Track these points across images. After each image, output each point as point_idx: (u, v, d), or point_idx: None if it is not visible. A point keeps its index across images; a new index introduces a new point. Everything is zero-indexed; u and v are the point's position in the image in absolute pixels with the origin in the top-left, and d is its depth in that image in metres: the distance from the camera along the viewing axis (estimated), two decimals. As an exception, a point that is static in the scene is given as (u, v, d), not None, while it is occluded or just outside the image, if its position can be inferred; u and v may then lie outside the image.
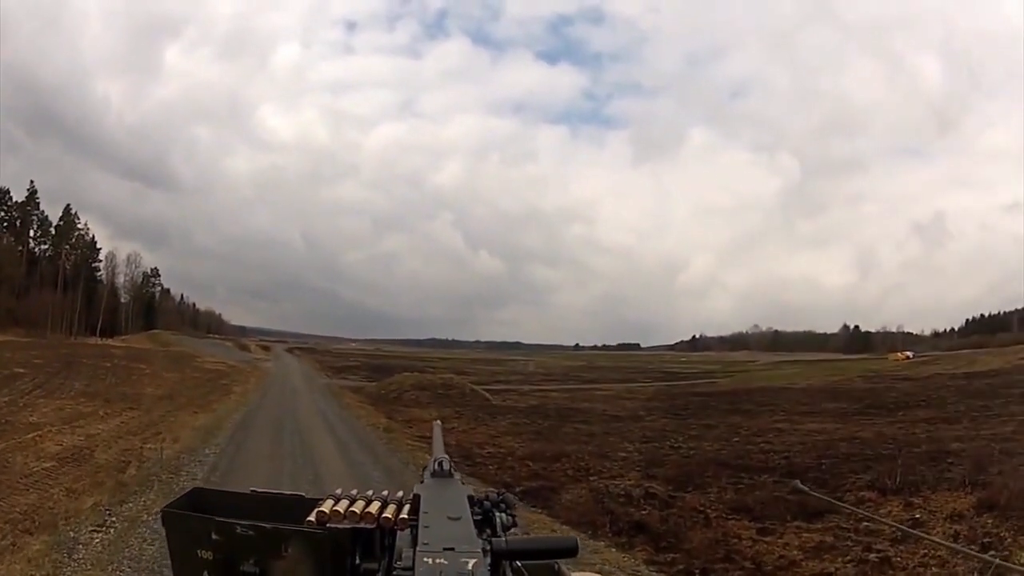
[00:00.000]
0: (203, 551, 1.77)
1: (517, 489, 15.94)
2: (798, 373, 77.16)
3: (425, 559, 1.19)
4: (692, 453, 23.27)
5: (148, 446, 19.67)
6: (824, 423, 30.94)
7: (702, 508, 15.45)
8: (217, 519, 1.78)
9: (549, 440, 25.96)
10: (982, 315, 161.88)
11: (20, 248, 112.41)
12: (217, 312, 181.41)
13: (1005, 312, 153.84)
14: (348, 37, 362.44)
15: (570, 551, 1.50)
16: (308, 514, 1.76)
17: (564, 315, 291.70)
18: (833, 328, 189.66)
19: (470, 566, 1.16)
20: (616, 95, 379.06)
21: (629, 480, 17.93)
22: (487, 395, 45.42)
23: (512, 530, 1.60)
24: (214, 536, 1.75)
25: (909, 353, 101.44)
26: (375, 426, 28.16)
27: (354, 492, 1.81)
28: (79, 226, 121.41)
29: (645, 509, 15.07)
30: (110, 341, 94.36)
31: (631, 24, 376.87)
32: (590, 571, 2.44)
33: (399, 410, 34.89)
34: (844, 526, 13.84)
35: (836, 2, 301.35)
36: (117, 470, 16.27)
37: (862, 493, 16.73)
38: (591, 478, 18.29)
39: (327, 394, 45.93)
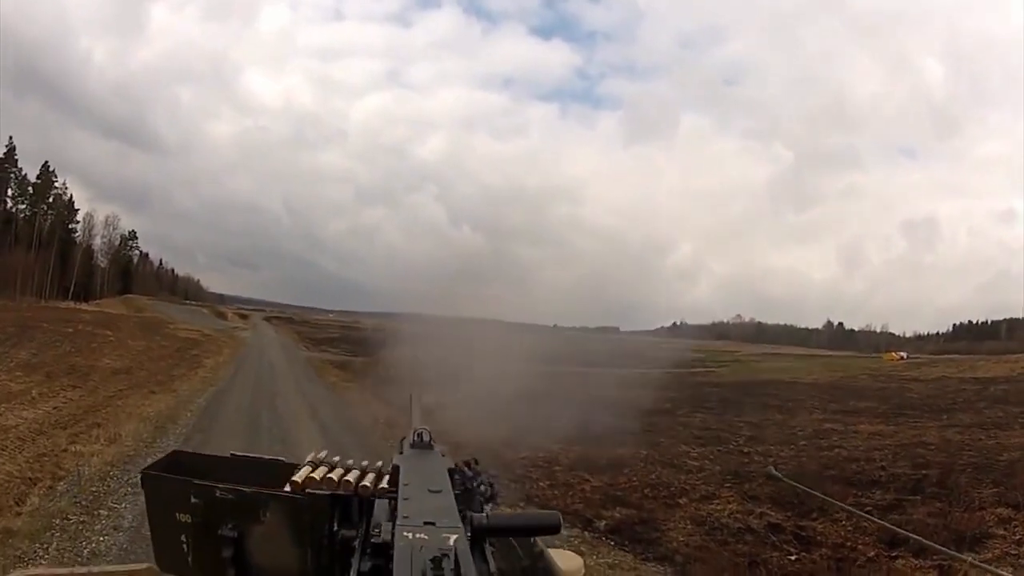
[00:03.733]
0: (182, 514, 1.84)
1: (602, 524, 12.66)
2: (798, 367, 71.34)
3: (405, 533, 1.19)
4: (771, 461, 18.62)
5: (74, 448, 14.21)
6: (874, 424, 26.45)
7: (849, 544, 12.10)
8: (196, 482, 1.85)
9: (589, 439, 21.03)
10: (971, 321, 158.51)
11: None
12: (196, 278, 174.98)
13: (993, 320, 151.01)
14: (337, 2, 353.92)
15: (553, 528, 1.47)
16: (287, 479, 1.84)
17: (544, 295, 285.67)
18: (814, 323, 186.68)
19: (451, 541, 1.16)
20: (609, 74, 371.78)
21: (730, 503, 14.33)
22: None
23: (491, 504, 1.67)
24: (193, 499, 1.82)
25: (903, 354, 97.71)
26: (374, 418, 22.55)
27: (336, 459, 1.93)
28: (56, 185, 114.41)
29: (790, 552, 11.77)
30: (83, 305, 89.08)
31: (628, 2, 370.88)
32: (564, 550, 2.26)
33: (392, 391, 28.84)
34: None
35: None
36: (13, 498, 10.84)
37: (999, 510, 13.68)
38: (679, 500, 14.54)
39: (309, 371, 40.03)
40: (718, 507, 13.97)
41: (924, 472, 17.19)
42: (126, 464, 12.97)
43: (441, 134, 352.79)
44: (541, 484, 15.48)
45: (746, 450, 20.72)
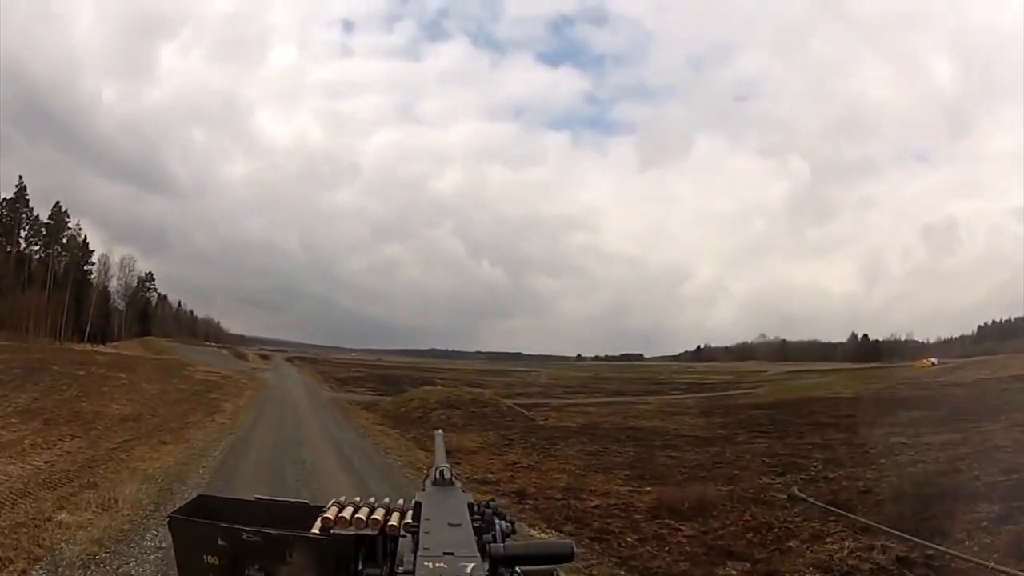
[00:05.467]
0: (209, 556, 1.84)
1: None
2: (833, 383, 71.42)
3: (425, 563, 1.23)
4: (872, 487, 16.90)
5: (60, 516, 11.39)
6: (940, 434, 24.76)
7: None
8: (223, 525, 1.87)
9: (655, 477, 19.31)
10: (994, 321, 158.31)
11: (8, 248, 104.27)
12: (216, 320, 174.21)
13: (1016, 318, 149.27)
14: (346, 38, 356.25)
15: (566, 556, 1.56)
16: (311, 521, 1.92)
17: (565, 325, 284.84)
18: (837, 336, 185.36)
19: (469, 570, 1.21)
20: (620, 99, 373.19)
21: (844, 539, 12.52)
22: (526, 413, 37.44)
23: (511, 537, 1.67)
24: (220, 542, 1.83)
25: (934, 360, 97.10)
26: (412, 464, 19.43)
27: (357, 499, 1.98)
28: (70, 225, 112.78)
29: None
30: (100, 347, 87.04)
31: (634, 24, 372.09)
32: None
33: (431, 436, 25.86)
34: None
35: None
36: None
37: None
38: (789, 544, 12.64)
39: (336, 412, 36.94)
40: (833, 546, 12.23)
41: (1015, 476, 15.78)
42: (117, 544, 10.05)
43: (455, 167, 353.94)
44: (628, 539, 13.04)
45: (829, 476, 18.95)
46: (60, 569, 8.93)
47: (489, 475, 19.02)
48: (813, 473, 19.51)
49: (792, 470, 20.11)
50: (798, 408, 42.78)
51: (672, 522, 14.11)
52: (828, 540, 12.61)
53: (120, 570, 9.02)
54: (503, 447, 24.85)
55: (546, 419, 36.72)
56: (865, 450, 23.05)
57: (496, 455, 22.99)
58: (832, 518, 14.03)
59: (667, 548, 12.51)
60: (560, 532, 13.51)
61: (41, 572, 8.85)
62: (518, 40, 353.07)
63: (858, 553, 11.74)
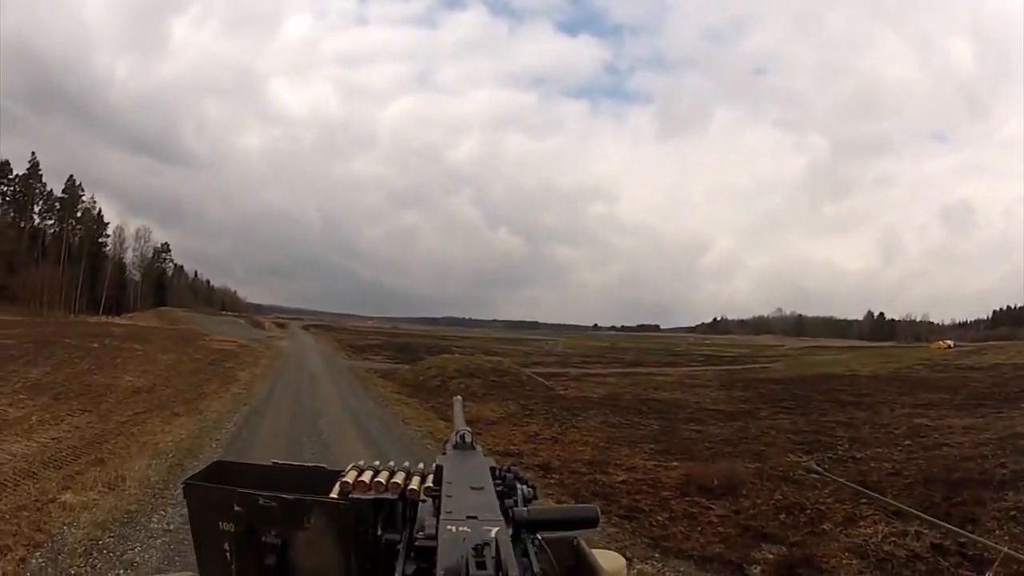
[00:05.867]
0: (225, 522, 1.77)
1: (757, 570, 10.42)
2: (850, 360, 71.20)
3: (448, 527, 1.22)
4: (900, 469, 16.41)
5: (65, 497, 10.74)
6: (961, 417, 24.84)
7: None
8: (239, 490, 1.78)
9: (681, 452, 18.75)
10: (1010, 307, 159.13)
11: (22, 223, 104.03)
12: (232, 290, 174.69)
13: None
14: (361, 6, 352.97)
15: (591, 521, 1.50)
16: (329, 485, 1.79)
17: (582, 295, 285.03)
18: (853, 314, 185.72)
19: (493, 533, 1.18)
20: (638, 68, 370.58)
21: (877, 523, 12.13)
22: (545, 383, 36.68)
23: (533, 502, 1.59)
24: (236, 508, 1.76)
25: (950, 342, 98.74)
26: (432, 436, 18.87)
27: (376, 463, 1.85)
28: (84, 199, 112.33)
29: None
30: (116, 319, 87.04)
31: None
32: (608, 550, 2.14)
33: (451, 405, 25.21)
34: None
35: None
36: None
37: None
38: (823, 526, 12.21)
39: (354, 381, 36.19)
40: (867, 530, 11.86)
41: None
42: (123, 527, 9.37)
43: (473, 136, 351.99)
44: (659, 518, 12.57)
45: (857, 455, 18.32)
46: (61, 557, 8.30)
47: (512, 447, 18.51)
48: (840, 452, 19.02)
49: (818, 448, 19.62)
50: (817, 384, 42.63)
51: (702, 500, 13.70)
52: (861, 523, 12.27)
53: (124, 557, 8.36)
54: (524, 417, 24.36)
55: (566, 389, 36.17)
56: (889, 431, 22.65)
57: (517, 426, 22.53)
58: (864, 500, 13.68)
59: (699, 528, 12.16)
60: (587, 509, 12.98)
61: (40, 560, 8.22)
62: (536, 8, 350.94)
63: (892, 539, 11.46)
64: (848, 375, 49.69)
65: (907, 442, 20.18)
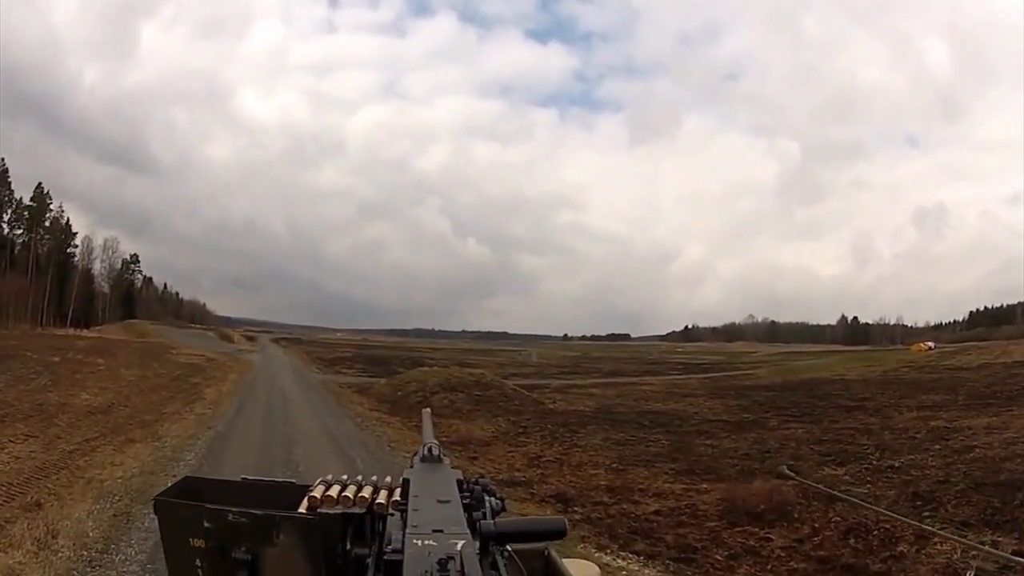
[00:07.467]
0: (195, 539, 1.76)
1: None
2: (833, 365, 70.05)
3: (414, 540, 1.20)
4: (945, 476, 15.53)
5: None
6: (976, 417, 24.29)
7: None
8: (208, 506, 1.78)
9: (705, 471, 17.82)
10: (986, 307, 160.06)
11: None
12: (202, 302, 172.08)
13: (1008, 304, 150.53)
14: (330, 13, 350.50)
15: (558, 533, 1.49)
16: (298, 500, 1.80)
17: (551, 305, 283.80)
18: (826, 319, 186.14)
19: (459, 547, 1.17)
20: (608, 76, 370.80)
21: (963, 539, 11.51)
22: (533, 396, 34.75)
23: (501, 515, 1.57)
24: (206, 524, 1.75)
25: (931, 344, 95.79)
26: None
27: (344, 477, 1.85)
28: (52, 208, 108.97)
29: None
30: (83, 332, 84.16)
31: (623, 1, 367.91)
32: (580, 559, 2.23)
33: (438, 424, 23.03)
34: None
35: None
36: None
37: None
38: (899, 548, 11.68)
39: (328, 398, 33.86)
40: (944, 547, 11.42)
41: None
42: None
43: (441, 145, 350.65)
44: (718, 556, 11.74)
45: (895, 464, 17.67)
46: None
47: (516, 473, 16.93)
48: (875, 463, 18.06)
49: (848, 459, 18.73)
50: (810, 390, 41.79)
51: (755, 529, 12.80)
52: (935, 541, 11.75)
53: None
54: (519, 436, 22.82)
55: (554, 402, 34.48)
56: (910, 435, 21.65)
57: (514, 446, 20.99)
58: (926, 513, 13.12)
59: (770, 566, 11.31)
60: (632, 552, 11.75)
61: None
62: (505, 16, 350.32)
63: (973, 552, 11.09)
64: (837, 380, 48.87)
65: (936, 446, 19.36)
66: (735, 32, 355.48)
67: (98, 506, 11.14)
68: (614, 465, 18.15)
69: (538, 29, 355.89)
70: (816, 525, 12.82)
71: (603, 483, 16.07)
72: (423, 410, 2.60)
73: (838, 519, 12.95)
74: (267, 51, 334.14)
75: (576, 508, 13.68)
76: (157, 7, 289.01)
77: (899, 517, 12.61)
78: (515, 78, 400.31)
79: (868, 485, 15.74)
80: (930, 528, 12.15)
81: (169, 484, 7.54)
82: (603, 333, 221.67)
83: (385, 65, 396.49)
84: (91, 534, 9.72)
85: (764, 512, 13.33)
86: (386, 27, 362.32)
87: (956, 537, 11.79)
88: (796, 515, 13.28)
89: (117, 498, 11.69)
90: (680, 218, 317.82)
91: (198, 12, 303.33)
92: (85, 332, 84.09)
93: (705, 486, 15.67)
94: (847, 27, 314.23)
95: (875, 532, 12.33)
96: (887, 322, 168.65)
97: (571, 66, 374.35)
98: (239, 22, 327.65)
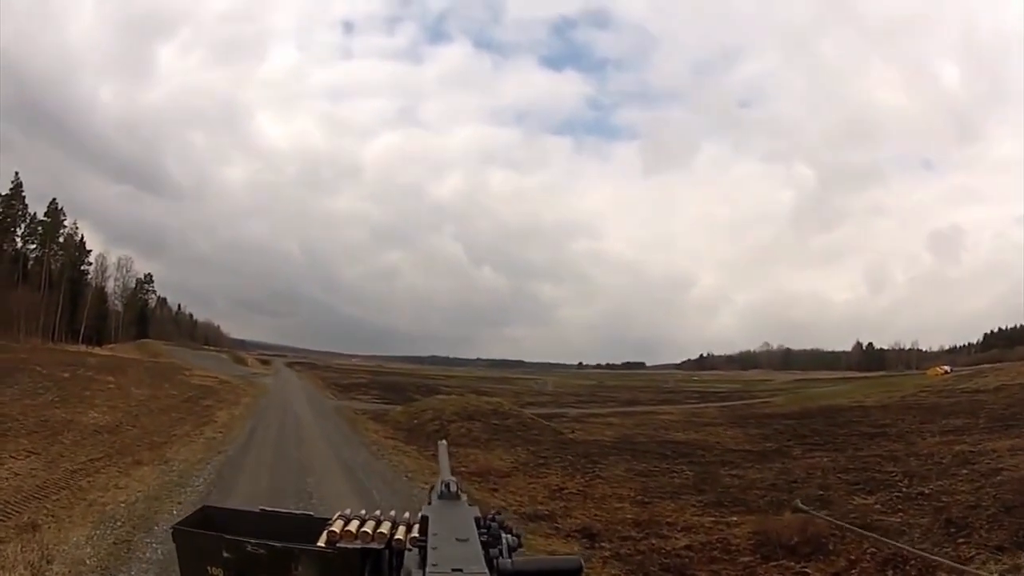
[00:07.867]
0: (213, 568, 1.82)
1: None
2: (851, 391, 69.39)
3: None
4: (976, 501, 15.17)
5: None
6: (999, 440, 23.95)
7: None
8: (228, 537, 1.85)
9: (733, 503, 17.25)
10: (1000, 328, 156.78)
11: (4, 246, 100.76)
12: (216, 324, 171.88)
13: (1022, 325, 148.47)
14: (346, 40, 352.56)
15: (574, 572, 1.50)
16: (316, 533, 1.87)
17: (566, 333, 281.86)
18: (840, 345, 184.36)
19: None
20: (623, 104, 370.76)
21: (1000, 564, 11.23)
22: (552, 426, 34.13)
23: (517, 552, 1.62)
24: (225, 554, 1.81)
25: (948, 367, 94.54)
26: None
27: (363, 512, 1.95)
28: (66, 224, 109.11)
29: None
30: (95, 349, 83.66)
31: (638, 28, 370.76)
32: None
33: (455, 454, 22.34)
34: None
35: (853, 2, 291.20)
36: None
37: None
38: None
39: (342, 424, 32.81)
40: (982, 572, 11.00)
41: None
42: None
43: (456, 172, 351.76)
44: None
45: (924, 491, 17.32)
46: None
47: (539, 506, 16.04)
48: (904, 490, 17.89)
49: (877, 487, 18.49)
50: (829, 417, 41.35)
51: (792, 564, 12.16)
52: (975, 566, 11.33)
53: None
54: (539, 467, 22.00)
55: (573, 432, 33.64)
56: (936, 460, 21.57)
57: (535, 477, 20.10)
58: (960, 540, 12.82)
59: None
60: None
61: None
62: (520, 43, 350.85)
63: None
64: (856, 406, 48.17)
65: (963, 471, 19.10)
66: (750, 58, 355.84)
67: (98, 531, 10.38)
68: (639, 497, 17.52)
69: (553, 56, 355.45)
70: (852, 557, 12.28)
71: (629, 516, 15.43)
72: (439, 442, 2.51)
73: (873, 550, 12.40)
74: (283, 75, 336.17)
75: (603, 543, 13.01)
76: (175, 29, 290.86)
77: (917, 551, 12.10)
78: (530, 105, 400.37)
79: (900, 513, 15.36)
80: (947, 561, 11.53)
81: (175, 512, 6.81)
82: (618, 361, 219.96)
83: (401, 91, 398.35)
84: (88, 562, 8.95)
85: (798, 545, 12.84)
86: (401, 53, 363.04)
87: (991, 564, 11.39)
88: (831, 547, 12.75)
89: (119, 524, 10.91)
90: (695, 245, 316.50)
91: (215, 35, 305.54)
92: (97, 349, 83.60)
93: (735, 519, 15.15)
94: (862, 51, 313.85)
95: (912, 562, 11.78)
96: (902, 347, 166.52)
97: (586, 93, 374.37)
98: (257, 46, 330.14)
